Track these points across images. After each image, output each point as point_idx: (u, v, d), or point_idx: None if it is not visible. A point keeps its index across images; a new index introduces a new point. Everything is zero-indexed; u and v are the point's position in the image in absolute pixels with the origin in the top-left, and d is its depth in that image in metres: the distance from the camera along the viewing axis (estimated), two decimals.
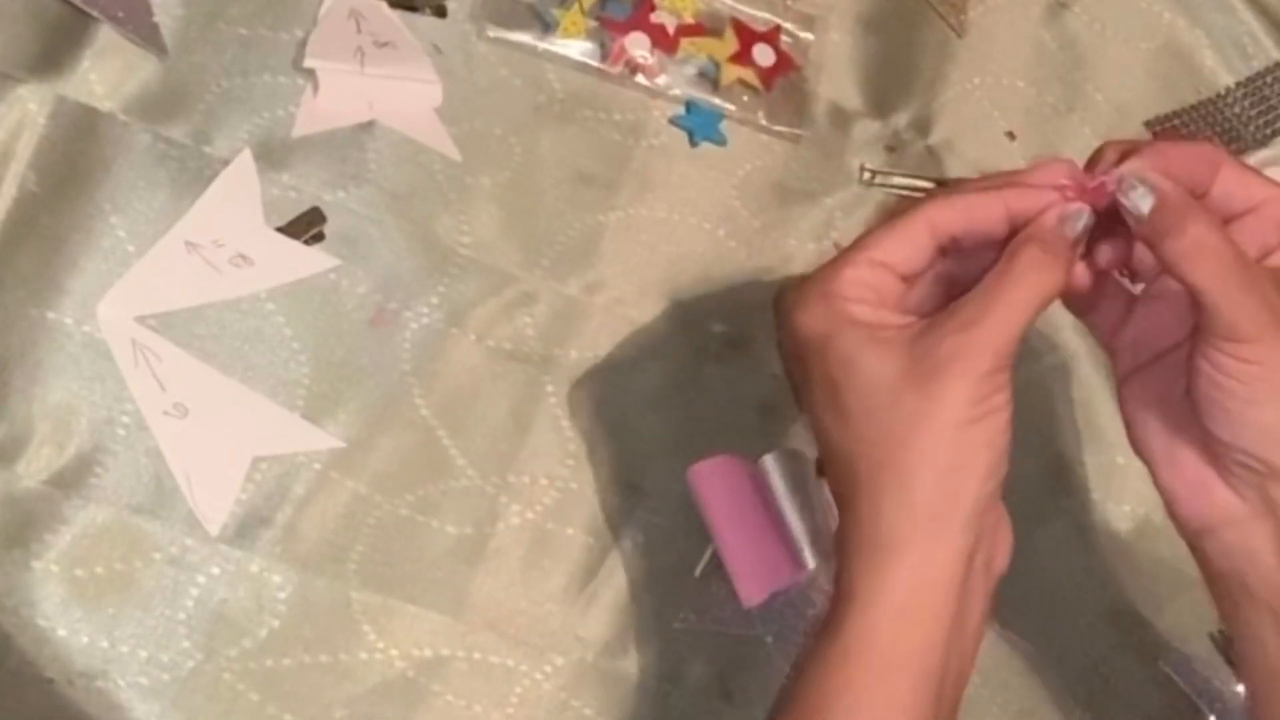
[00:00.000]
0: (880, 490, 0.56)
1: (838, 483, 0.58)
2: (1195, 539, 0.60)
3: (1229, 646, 0.79)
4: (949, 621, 0.56)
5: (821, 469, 0.66)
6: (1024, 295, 0.56)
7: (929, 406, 0.55)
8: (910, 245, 0.59)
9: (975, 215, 0.59)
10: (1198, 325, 0.57)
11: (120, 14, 0.71)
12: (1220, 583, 0.60)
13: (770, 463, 0.68)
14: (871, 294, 0.58)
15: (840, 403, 0.57)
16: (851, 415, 0.57)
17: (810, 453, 0.67)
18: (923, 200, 0.60)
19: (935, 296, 0.60)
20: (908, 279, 0.59)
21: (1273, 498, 0.57)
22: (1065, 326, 0.82)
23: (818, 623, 0.60)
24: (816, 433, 0.59)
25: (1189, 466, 0.60)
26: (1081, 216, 0.58)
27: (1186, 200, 0.57)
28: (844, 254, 0.59)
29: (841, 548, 0.57)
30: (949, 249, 0.60)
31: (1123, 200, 0.57)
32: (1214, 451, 0.58)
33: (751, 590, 0.68)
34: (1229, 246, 0.56)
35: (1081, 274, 0.60)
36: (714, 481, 0.69)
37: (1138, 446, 0.62)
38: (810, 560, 0.67)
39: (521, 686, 0.69)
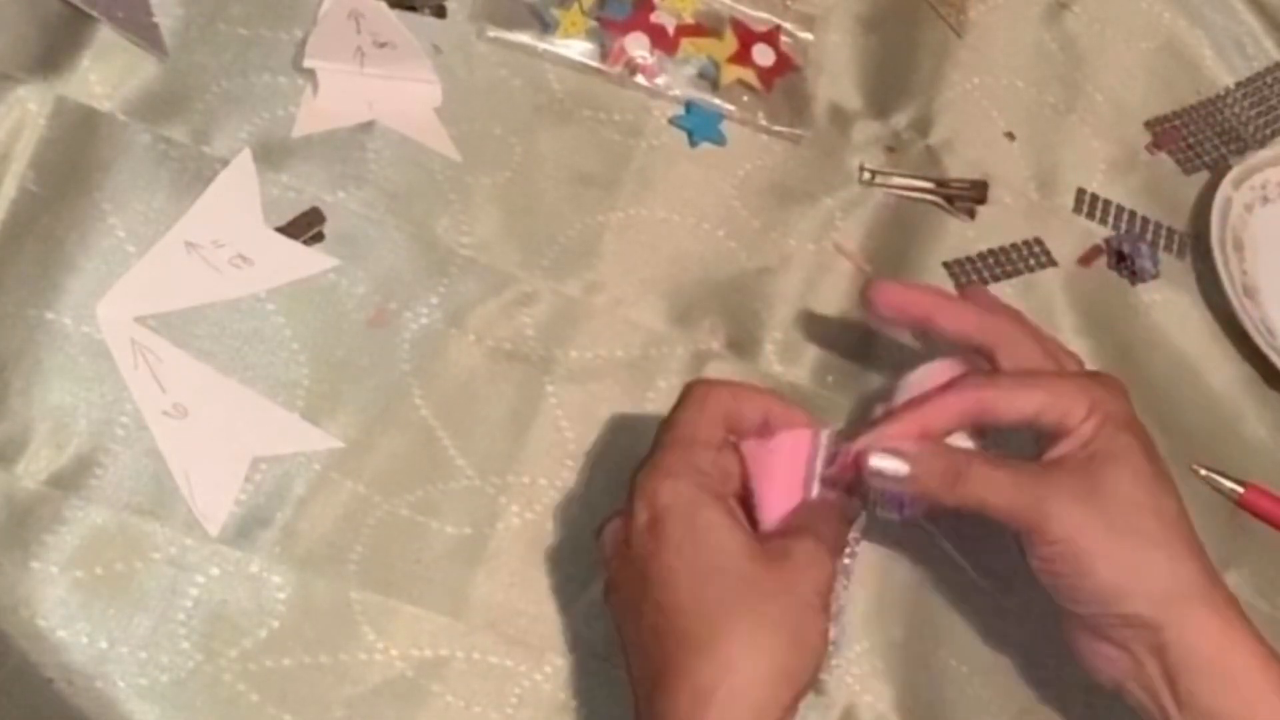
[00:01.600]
0: (737, 640, 0.59)
1: (650, 659, 0.60)
2: (1118, 696, 0.65)
3: None
4: None
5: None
6: (810, 572, 0.62)
7: (792, 581, 0.60)
8: (711, 421, 0.64)
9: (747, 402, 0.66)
10: (1018, 539, 0.64)
11: (120, 14, 0.71)
12: None
13: (825, 439, 0.66)
14: (728, 478, 0.64)
15: (700, 559, 0.60)
16: (713, 572, 0.60)
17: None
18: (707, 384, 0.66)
19: None
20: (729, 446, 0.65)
21: (1147, 644, 0.63)
22: (1064, 329, 0.82)
23: None
24: (656, 592, 0.61)
25: (1083, 638, 0.65)
26: (857, 522, 0.66)
27: (941, 455, 0.64)
28: (681, 440, 0.63)
29: (663, 692, 0.59)
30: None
31: (874, 476, 0.64)
32: (1085, 623, 0.65)
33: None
34: (1000, 471, 0.64)
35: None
36: (777, 458, 0.66)
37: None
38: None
39: (521, 686, 0.69)
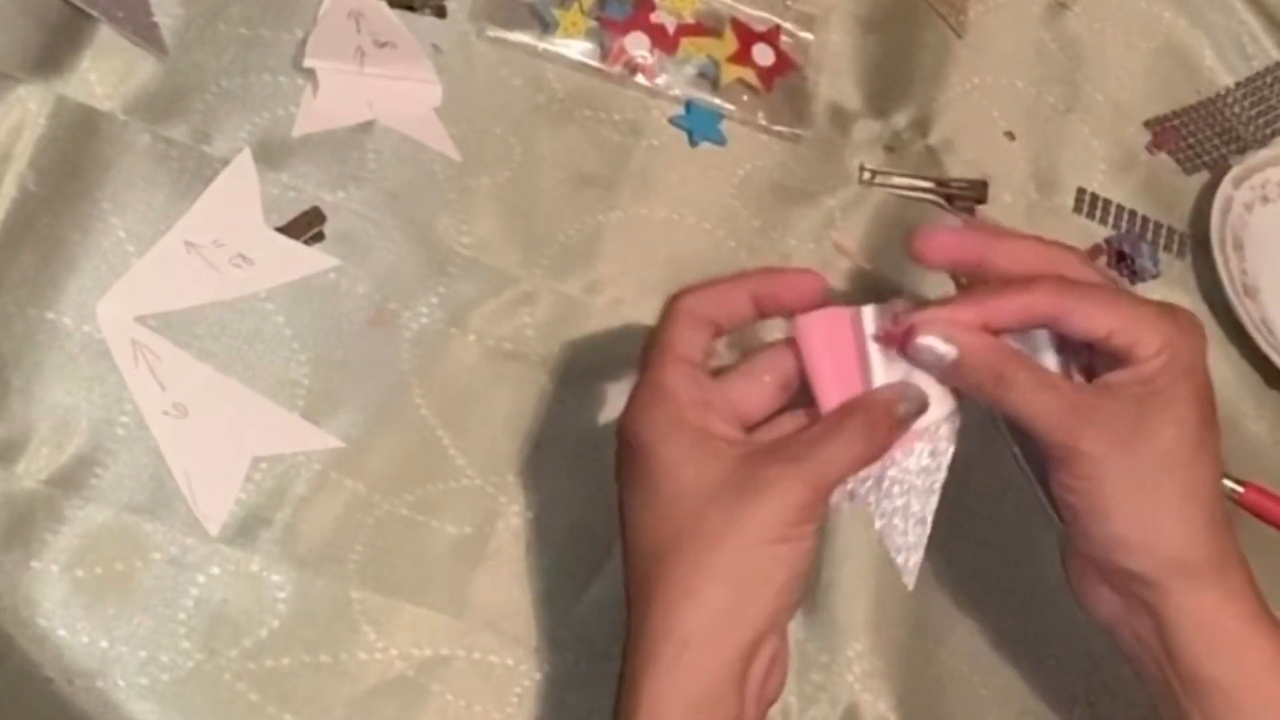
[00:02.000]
0: (677, 587, 0.59)
1: (634, 580, 0.61)
2: (1106, 633, 0.64)
3: None
4: (730, 713, 0.59)
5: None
6: (845, 455, 0.60)
7: (741, 518, 0.59)
8: (697, 335, 0.63)
9: (725, 301, 0.64)
10: (1045, 455, 0.61)
11: (120, 14, 0.71)
12: (1136, 669, 0.64)
13: (869, 314, 0.63)
14: (696, 391, 0.61)
15: (661, 499, 0.60)
16: (668, 514, 0.60)
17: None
18: (678, 294, 0.64)
19: (767, 404, 0.63)
20: (713, 371, 0.63)
21: (1144, 599, 0.61)
22: None
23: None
24: (626, 532, 0.62)
25: (1085, 573, 0.64)
26: (915, 403, 0.62)
27: (991, 351, 0.61)
28: (653, 358, 0.62)
29: (631, 640, 0.60)
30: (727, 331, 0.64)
31: (921, 353, 0.61)
32: (1089, 560, 0.63)
33: None
34: (1048, 381, 0.61)
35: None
36: (816, 337, 0.63)
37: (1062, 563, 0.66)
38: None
39: (521, 686, 0.69)
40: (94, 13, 0.71)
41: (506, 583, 0.70)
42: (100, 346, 0.67)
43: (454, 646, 0.68)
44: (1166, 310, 0.62)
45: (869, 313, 0.63)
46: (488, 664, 0.69)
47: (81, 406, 0.66)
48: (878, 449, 0.61)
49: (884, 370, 0.62)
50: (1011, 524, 0.78)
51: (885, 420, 0.61)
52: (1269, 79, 0.93)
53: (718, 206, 0.79)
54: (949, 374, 0.61)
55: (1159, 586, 0.61)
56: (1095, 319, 0.61)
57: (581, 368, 0.74)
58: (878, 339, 0.62)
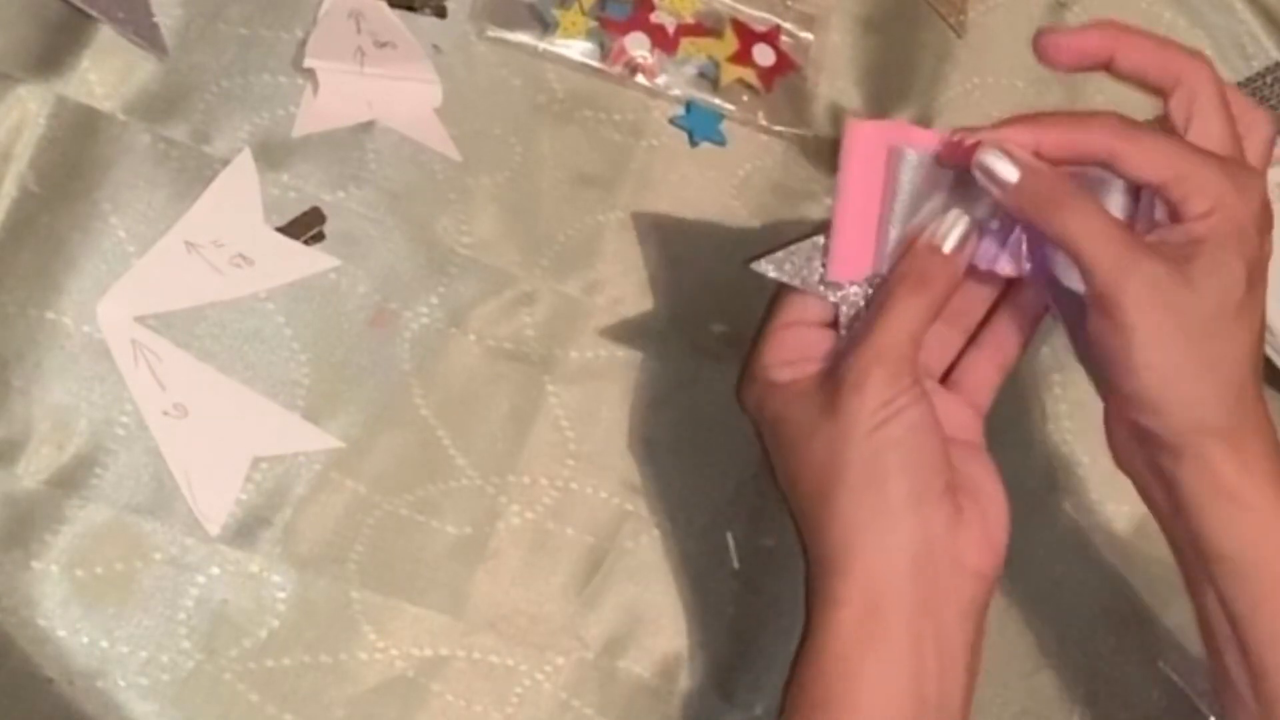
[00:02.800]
0: (816, 515, 0.60)
1: (799, 532, 0.62)
2: (1143, 499, 0.63)
3: None
4: (907, 616, 0.59)
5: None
6: (905, 309, 0.61)
7: (838, 424, 0.59)
8: (807, 300, 0.64)
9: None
10: (1086, 298, 0.59)
11: (120, 14, 0.71)
12: (1170, 545, 0.63)
13: (911, 159, 0.63)
14: (790, 353, 0.63)
15: (779, 454, 0.62)
16: (786, 460, 0.62)
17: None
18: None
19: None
20: (828, 324, 0.64)
21: (1163, 465, 0.60)
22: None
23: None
24: (786, 499, 0.63)
25: (1116, 430, 0.62)
26: (956, 228, 0.62)
27: (1052, 177, 0.59)
28: (760, 331, 0.65)
29: (806, 579, 0.61)
30: None
31: (980, 170, 0.60)
32: (1120, 420, 0.62)
33: (840, 267, 0.64)
34: (1104, 221, 0.59)
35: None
36: (864, 148, 0.63)
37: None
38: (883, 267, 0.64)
39: (521, 686, 0.69)
40: (94, 13, 0.71)
41: (506, 583, 0.70)
42: (100, 346, 0.67)
43: (454, 646, 0.68)
44: (1224, 167, 0.60)
45: (913, 153, 0.63)
46: (488, 664, 0.69)
47: (81, 406, 0.66)
48: (937, 292, 0.61)
49: (907, 200, 0.63)
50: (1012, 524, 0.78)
51: (927, 260, 0.62)
52: (1269, 79, 0.93)
53: (718, 206, 0.79)
54: (1008, 196, 0.60)
55: (1176, 450, 0.59)
56: (1147, 167, 0.59)
57: (581, 368, 0.74)
58: (934, 156, 0.62)
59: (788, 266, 0.65)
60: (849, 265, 0.64)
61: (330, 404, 0.70)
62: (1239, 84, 0.92)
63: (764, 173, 0.81)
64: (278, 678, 0.66)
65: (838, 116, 0.83)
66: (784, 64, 0.82)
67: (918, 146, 0.63)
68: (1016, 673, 0.75)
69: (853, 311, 0.64)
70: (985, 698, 0.74)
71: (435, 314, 0.73)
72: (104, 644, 0.64)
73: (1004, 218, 0.62)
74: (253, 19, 0.74)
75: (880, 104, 0.84)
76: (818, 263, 0.64)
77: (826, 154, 0.82)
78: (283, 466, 0.68)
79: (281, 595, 0.67)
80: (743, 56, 0.81)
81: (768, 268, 0.65)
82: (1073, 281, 0.61)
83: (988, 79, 0.87)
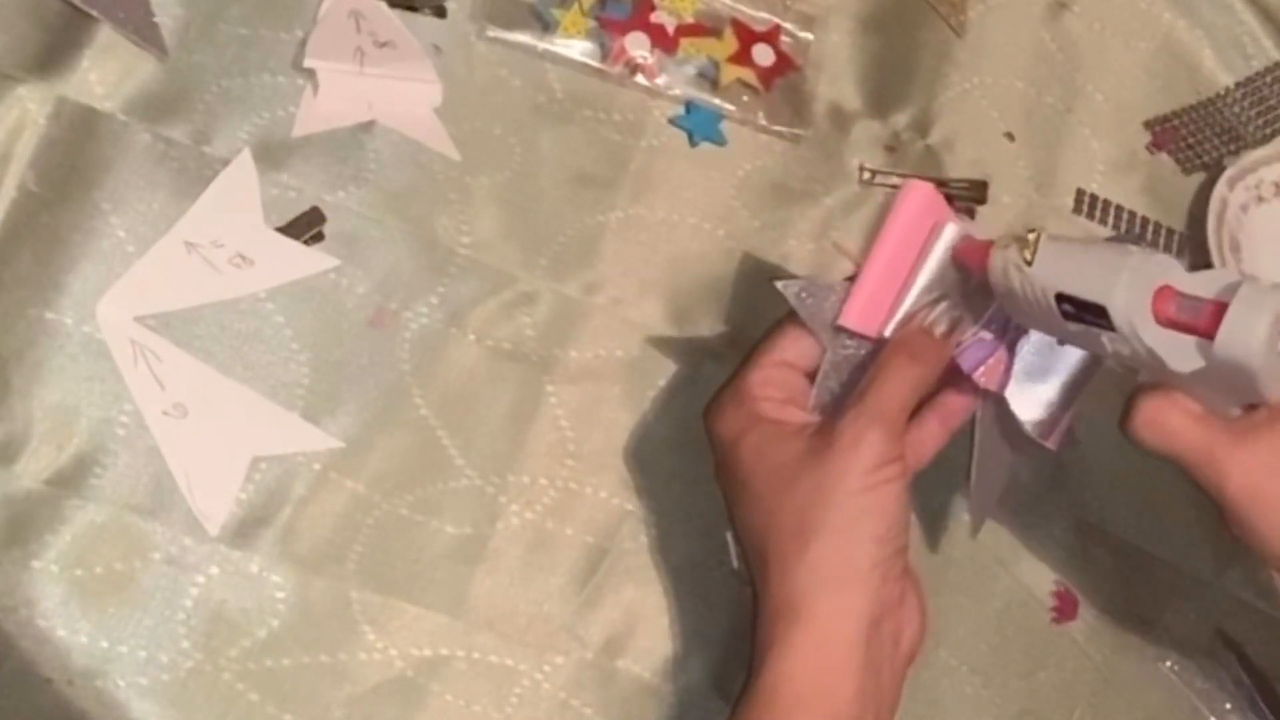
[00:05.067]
0: (787, 557, 0.62)
1: (753, 568, 0.64)
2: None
3: (1229, 646, 0.79)
4: (856, 675, 0.61)
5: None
6: (899, 384, 0.64)
7: (826, 475, 0.62)
8: (803, 343, 0.67)
9: None
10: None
11: (120, 14, 0.71)
12: None
13: (947, 233, 0.66)
14: (777, 391, 0.66)
15: (753, 491, 0.64)
16: (762, 497, 0.64)
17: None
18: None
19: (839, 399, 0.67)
20: (809, 374, 0.67)
21: None
22: None
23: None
24: (736, 529, 0.66)
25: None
26: (945, 318, 0.66)
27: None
28: (751, 358, 0.67)
29: (758, 613, 0.63)
30: None
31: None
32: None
33: (853, 314, 0.66)
34: (1193, 420, 0.63)
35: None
36: (911, 206, 0.66)
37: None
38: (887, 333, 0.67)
39: (521, 686, 0.69)
40: (94, 13, 0.71)
41: (506, 582, 0.70)
42: (100, 346, 0.67)
43: (454, 646, 0.68)
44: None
45: (953, 230, 0.66)
46: (488, 664, 0.69)
47: (81, 406, 0.66)
48: (929, 371, 0.65)
49: (931, 277, 0.66)
50: (1011, 524, 0.79)
51: (923, 340, 0.65)
52: (1268, 79, 0.93)
53: (718, 206, 0.79)
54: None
55: None
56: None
57: (581, 368, 0.74)
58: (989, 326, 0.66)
59: (806, 297, 0.67)
60: (863, 316, 0.66)
61: (330, 404, 0.70)
62: (1238, 84, 0.92)
63: (764, 173, 0.81)
64: (277, 677, 0.66)
65: (837, 116, 0.83)
66: (784, 64, 0.82)
67: (959, 231, 0.66)
68: (1016, 673, 0.75)
69: (830, 369, 0.66)
70: (985, 698, 0.74)
71: (435, 314, 0.73)
72: (103, 643, 0.64)
73: (996, 331, 0.66)
74: (253, 19, 0.74)
75: (880, 104, 0.84)
76: (833, 303, 0.66)
77: (826, 154, 0.82)
78: (282, 466, 0.68)
79: (281, 595, 0.67)
80: (742, 56, 0.81)
81: (790, 292, 0.66)
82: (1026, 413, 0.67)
83: (987, 79, 0.87)
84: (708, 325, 0.77)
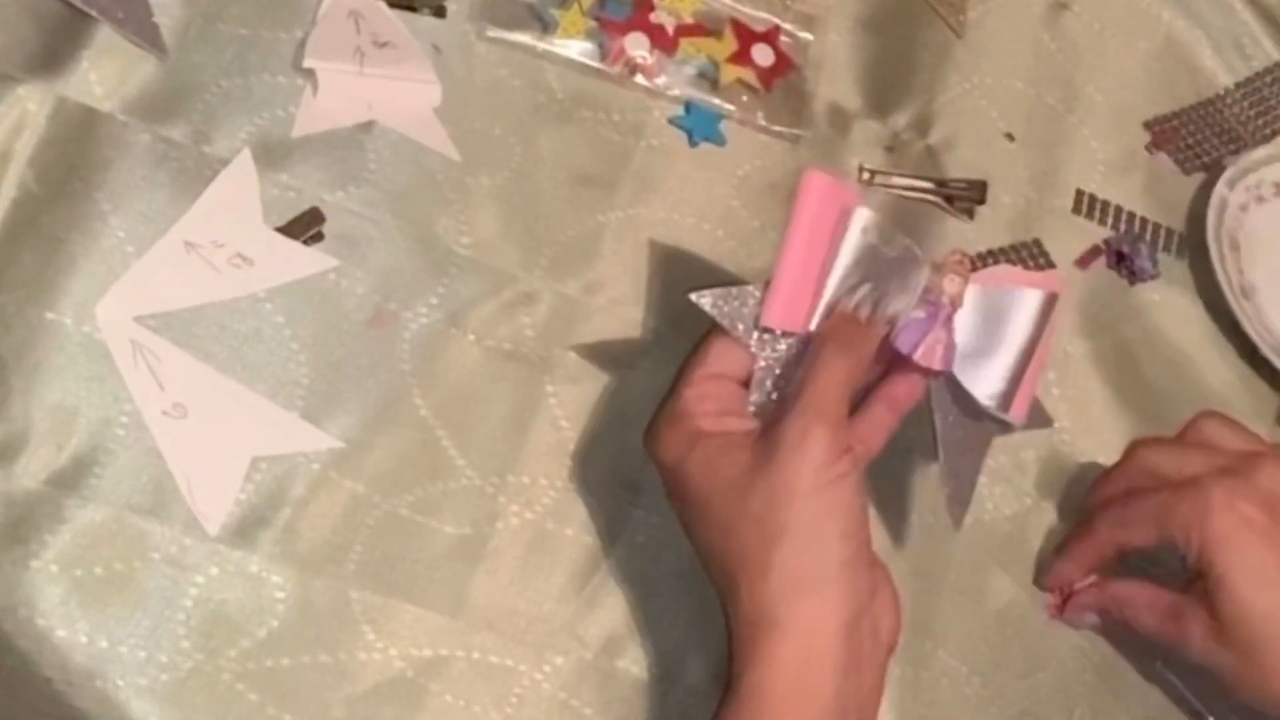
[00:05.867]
0: (753, 569, 0.61)
1: (721, 584, 0.64)
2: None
3: None
4: (837, 676, 0.61)
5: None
6: (833, 375, 0.63)
7: (778, 482, 0.61)
8: (733, 351, 0.66)
9: None
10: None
11: (120, 14, 0.71)
12: None
13: (859, 218, 0.65)
14: (714, 405, 0.65)
15: (708, 508, 0.63)
16: (718, 515, 0.63)
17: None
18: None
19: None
20: (743, 382, 0.66)
21: None
22: (1063, 329, 0.82)
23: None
24: (696, 549, 0.65)
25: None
26: (869, 301, 0.65)
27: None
28: (682, 376, 0.66)
29: (732, 629, 0.62)
30: None
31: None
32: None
33: (774, 314, 0.65)
34: (1145, 599, 0.73)
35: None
36: (814, 195, 0.65)
37: None
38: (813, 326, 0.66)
39: (521, 686, 0.69)
40: (94, 13, 0.71)
41: (506, 583, 0.70)
42: (100, 346, 0.67)
43: (454, 646, 0.68)
44: (1159, 500, 0.70)
45: (862, 214, 0.65)
46: (488, 664, 0.69)
47: (81, 407, 0.66)
48: (861, 356, 0.64)
49: (848, 264, 0.65)
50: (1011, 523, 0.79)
51: (849, 327, 0.64)
52: (1268, 79, 0.93)
53: (717, 206, 0.79)
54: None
55: None
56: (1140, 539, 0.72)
57: (581, 368, 0.74)
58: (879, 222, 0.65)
59: (724, 306, 0.66)
60: (785, 314, 0.65)
61: (330, 404, 0.70)
62: (1238, 84, 0.92)
63: (763, 173, 0.81)
64: (277, 678, 0.66)
65: (837, 116, 0.83)
66: (783, 64, 0.82)
67: (867, 210, 0.65)
68: (1016, 673, 0.75)
69: (763, 373, 0.65)
70: (985, 698, 0.74)
71: (435, 314, 0.73)
72: (103, 643, 0.64)
73: (929, 310, 0.66)
74: (253, 19, 0.74)
75: (880, 104, 0.84)
76: (752, 308, 0.65)
77: (826, 154, 0.82)
78: (282, 467, 0.68)
79: (280, 595, 0.67)
80: (742, 57, 0.81)
81: (704, 302, 0.66)
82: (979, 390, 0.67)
83: (987, 79, 0.87)
84: (707, 325, 0.77)
